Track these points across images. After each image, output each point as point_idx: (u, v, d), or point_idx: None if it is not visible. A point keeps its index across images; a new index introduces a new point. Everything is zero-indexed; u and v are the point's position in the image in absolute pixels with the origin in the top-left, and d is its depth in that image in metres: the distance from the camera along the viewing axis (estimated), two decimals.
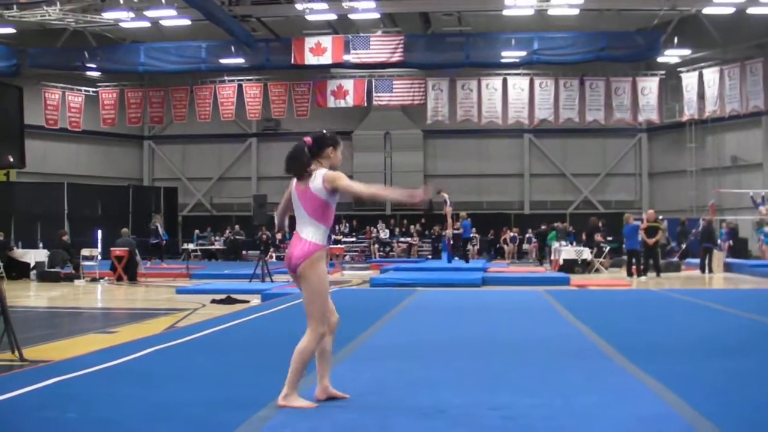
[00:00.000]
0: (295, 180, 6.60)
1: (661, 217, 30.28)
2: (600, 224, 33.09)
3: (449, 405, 6.33)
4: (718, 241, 32.78)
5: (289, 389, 6.34)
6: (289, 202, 6.73)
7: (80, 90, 43.29)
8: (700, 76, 39.80)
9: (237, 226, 43.87)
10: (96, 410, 6.25)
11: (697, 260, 31.13)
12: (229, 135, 48.18)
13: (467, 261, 32.47)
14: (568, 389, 6.92)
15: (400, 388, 6.93)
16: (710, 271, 29.18)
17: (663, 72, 41.27)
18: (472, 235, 36.46)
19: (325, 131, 6.81)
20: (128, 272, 25.76)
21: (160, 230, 34.45)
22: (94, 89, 43.52)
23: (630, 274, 27.39)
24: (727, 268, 30.75)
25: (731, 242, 35.56)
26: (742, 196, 40.59)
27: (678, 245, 35.35)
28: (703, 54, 39.86)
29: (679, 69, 40.94)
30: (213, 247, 43.32)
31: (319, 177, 6.41)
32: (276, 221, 7.28)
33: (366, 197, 6.65)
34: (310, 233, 6.41)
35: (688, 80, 40.40)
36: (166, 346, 9.78)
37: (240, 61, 39.32)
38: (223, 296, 18.15)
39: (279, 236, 39.95)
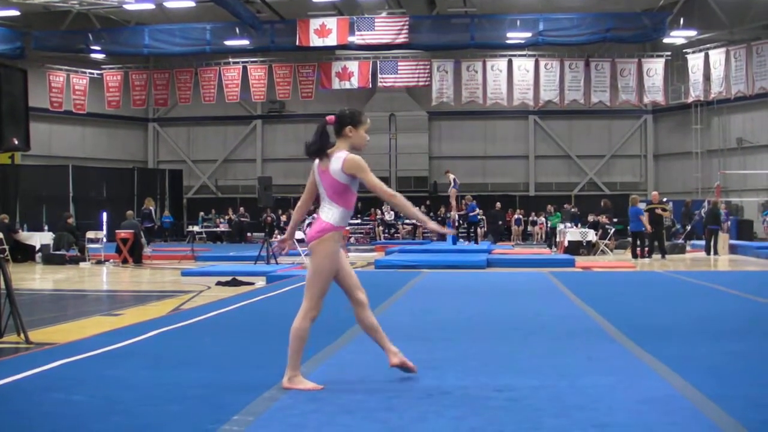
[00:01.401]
0: (317, 160, 6.51)
1: (666, 199, 30.25)
2: (610, 206, 33.09)
3: (454, 386, 6.34)
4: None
5: (292, 371, 6.35)
6: (313, 186, 6.65)
7: (84, 72, 43.29)
8: (706, 57, 39.69)
9: (242, 209, 43.85)
10: (103, 392, 6.25)
11: (702, 242, 31.14)
12: (233, 117, 48.19)
13: (477, 243, 32.42)
14: (572, 371, 6.93)
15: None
16: (715, 253, 29.16)
17: (669, 53, 41.15)
18: (479, 217, 36.36)
19: (346, 109, 6.74)
20: (133, 255, 25.76)
21: (153, 214, 34.39)
22: (98, 72, 43.52)
23: (635, 255, 27.37)
24: (733, 250, 30.72)
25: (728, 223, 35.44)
26: (748, 178, 40.61)
27: (683, 227, 35.32)
28: (709, 35, 39.73)
29: (684, 50, 40.83)
30: (218, 229, 43.31)
31: (338, 160, 6.37)
32: (294, 216, 7.11)
33: (383, 197, 6.55)
34: (328, 214, 6.40)
35: (694, 61, 40.30)
36: (172, 328, 9.80)
37: (245, 42, 39.29)
38: (229, 278, 18.16)
39: (284, 218, 39.94)
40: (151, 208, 33.79)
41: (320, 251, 6.36)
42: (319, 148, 6.42)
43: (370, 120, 6.82)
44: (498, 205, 39.04)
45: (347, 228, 36.76)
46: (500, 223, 38.89)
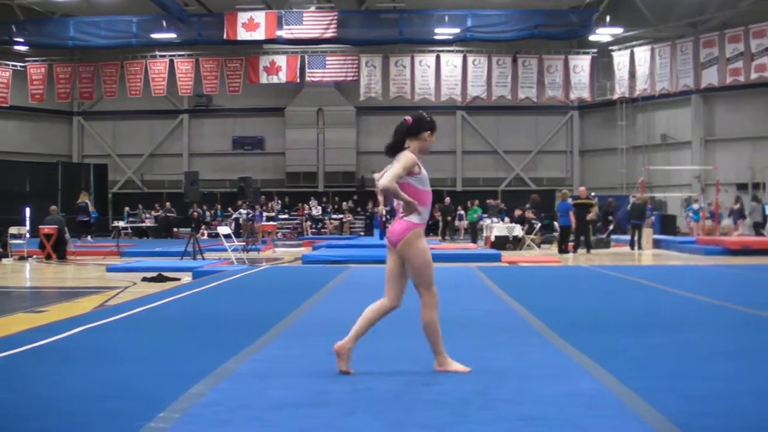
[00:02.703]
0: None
1: (593, 194, 30.61)
2: (539, 201, 33.43)
3: (381, 381, 6.36)
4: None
5: (439, 356, 6.83)
6: None
7: (8, 65, 42.46)
8: (632, 54, 40.22)
9: (168, 204, 43.49)
10: (30, 388, 6.18)
11: (626, 237, 31.59)
12: (160, 111, 47.62)
13: None
14: (499, 365, 6.98)
15: (332, 364, 6.92)
16: (639, 247, 29.56)
17: (595, 50, 41.59)
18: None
19: (424, 113, 7.00)
20: (57, 250, 25.38)
21: (89, 207, 34.02)
22: (22, 64, 42.70)
23: (561, 250, 27.65)
24: (656, 244, 31.19)
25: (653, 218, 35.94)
26: (671, 174, 41.29)
27: (606, 223, 35.73)
28: (634, 33, 40.26)
29: (610, 47, 41.31)
30: (144, 224, 42.91)
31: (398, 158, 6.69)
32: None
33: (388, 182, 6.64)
34: (404, 212, 6.73)
35: (620, 59, 40.80)
36: (98, 324, 9.69)
37: (172, 36, 38.90)
38: (154, 274, 18.02)
39: (209, 213, 39.76)
40: (87, 201, 33.44)
41: (413, 251, 6.70)
42: (391, 148, 6.86)
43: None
44: (447, 199, 38.79)
45: (273, 224, 36.66)
46: (449, 218, 38.77)
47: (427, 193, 6.76)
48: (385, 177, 6.59)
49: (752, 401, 5.71)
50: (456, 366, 6.72)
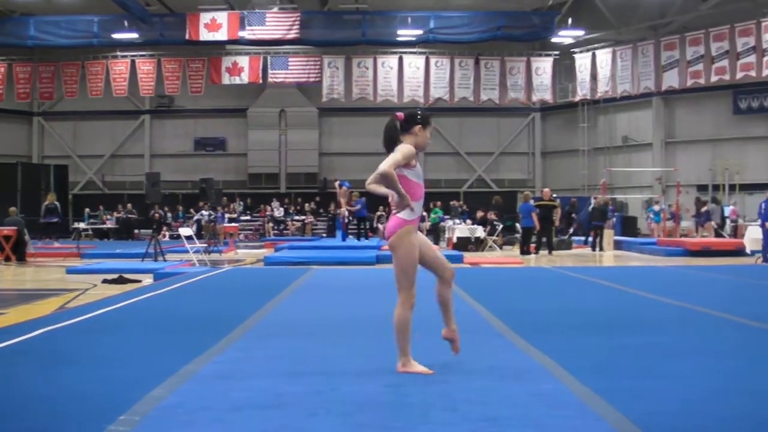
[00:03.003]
0: None
1: (555, 195, 30.79)
2: (501, 203, 33.56)
3: (344, 382, 6.33)
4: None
5: (403, 357, 6.78)
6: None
7: None
8: (593, 57, 40.53)
9: (129, 205, 43.23)
10: None
11: (582, 238, 31.87)
12: (121, 112, 47.27)
13: (367, 238, 32.49)
14: (462, 366, 6.97)
15: (294, 365, 6.91)
16: (601, 249, 29.75)
17: (557, 52, 41.87)
18: (380, 213, 36.78)
19: (417, 109, 7.14)
20: (16, 252, 25.16)
21: (58, 208, 33.82)
22: None
23: (523, 252, 27.75)
24: (617, 245, 31.41)
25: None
26: (632, 175, 41.61)
27: (568, 224, 35.90)
28: (596, 35, 40.58)
29: (572, 50, 41.61)
30: (105, 226, 42.60)
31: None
32: None
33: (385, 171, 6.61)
34: (397, 208, 6.75)
35: (581, 61, 41.09)
36: (59, 327, 9.59)
37: (133, 36, 38.70)
38: (115, 276, 17.88)
39: (171, 215, 39.55)
40: (55, 203, 33.19)
41: (401, 247, 6.72)
42: (388, 143, 6.79)
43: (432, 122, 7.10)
44: None
45: (235, 225, 36.44)
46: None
47: (419, 187, 6.79)
48: (385, 162, 6.54)
49: (712, 400, 5.76)
50: (419, 368, 6.70)
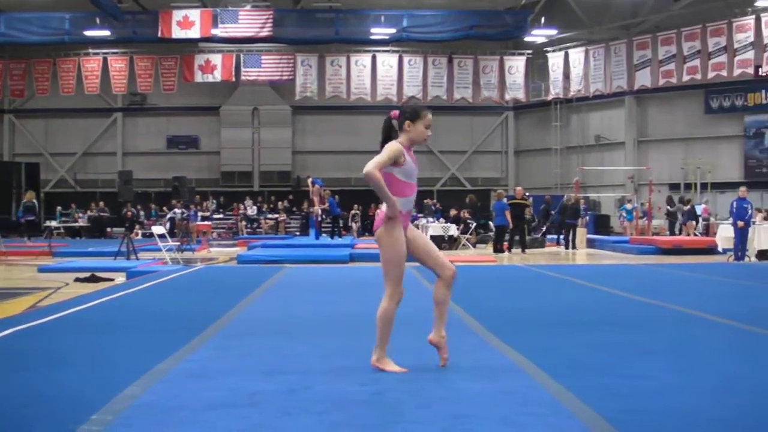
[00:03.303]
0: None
1: (527, 194, 30.89)
2: (476, 201, 33.64)
3: (317, 381, 6.32)
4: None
5: (380, 351, 6.76)
6: None
7: None
8: (566, 56, 40.69)
9: (102, 203, 42.98)
10: None
11: (555, 236, 32.01)
12: (94, 109, 46.96)
13: (341, 237, 32.53)
14: (435, 365, 6.98)
15: (268, 364, 6.90)
16: (573, 247, 29.87)
17: (530, 51, 42.01)
18: (354, 211, 36.84)
19: (408, 105, 7.20)
20: None
21: (36, 207, 33.66)
22: None
23: (497, 250, 27.83)
24: (590, 244, 31.56)
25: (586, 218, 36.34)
26: (605, 174, 41.80)
27: (541, 222, 36.04)
28: (569, 34, 40.73)
29: (545, 49, 41.75)
30: (77, 224, 42.35)
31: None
32: None
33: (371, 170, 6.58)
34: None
35: (554, 60, 41.23)
36: (29, 326, 9.52)
37: (105, 33, 38.52)
38: (87, 274, 17.82)
39: (143, 213, 39.39)
40: (34, 201, 33.00)
41: (386, 241, 6.76)
42: (383, 142, 6.87)
43: (430, 115, 7.04)
44: None
45: (208, 223, 36.39)
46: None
47: (408, 185, 6.83)
48: (369, 163, 6.54)
49: (683, 397, 5.79)
50: (392, 367, 6.69)
